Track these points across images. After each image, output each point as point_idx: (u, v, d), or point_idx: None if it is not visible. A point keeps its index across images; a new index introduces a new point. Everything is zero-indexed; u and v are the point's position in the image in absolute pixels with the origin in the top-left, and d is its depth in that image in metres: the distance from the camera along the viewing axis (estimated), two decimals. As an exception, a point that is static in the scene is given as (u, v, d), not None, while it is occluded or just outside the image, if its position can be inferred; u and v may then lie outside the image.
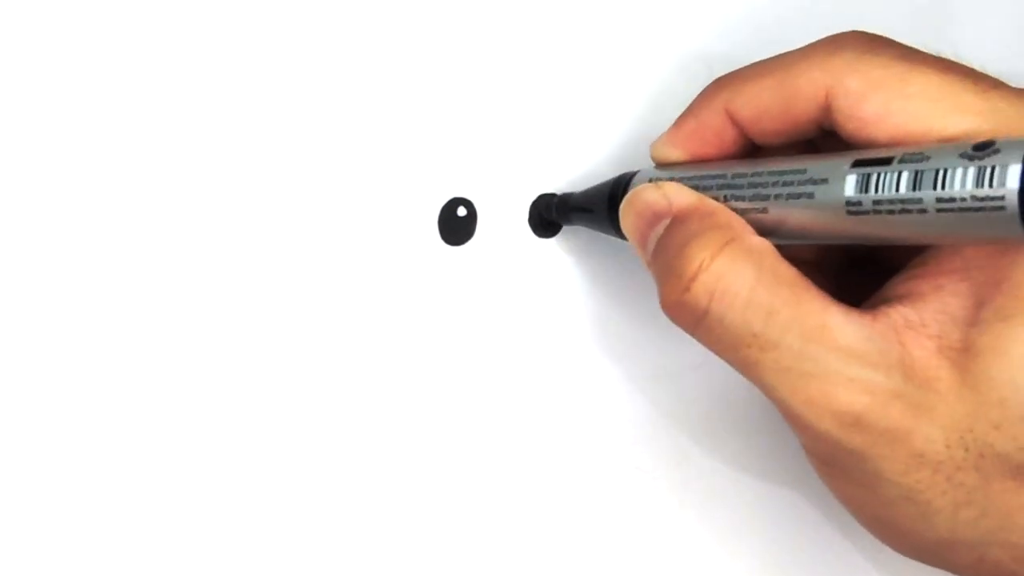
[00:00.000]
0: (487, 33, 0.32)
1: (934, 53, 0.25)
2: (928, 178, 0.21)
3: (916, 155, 0.22)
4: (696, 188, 0.26)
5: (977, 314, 0.23)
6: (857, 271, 0.29)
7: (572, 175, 0.32)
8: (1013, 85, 0.24)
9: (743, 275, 0.24)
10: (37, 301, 0.29)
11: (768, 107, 0.26)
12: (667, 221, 0.26)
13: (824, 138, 0.26)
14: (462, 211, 0.31)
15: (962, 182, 0.20)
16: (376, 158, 0.31)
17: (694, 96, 0.28)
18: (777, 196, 0.24)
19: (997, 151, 0.20)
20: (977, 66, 0.24)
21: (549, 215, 0.31)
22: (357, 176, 0.31)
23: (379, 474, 0.30)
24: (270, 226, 0.30)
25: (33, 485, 0.29)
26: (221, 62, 0.30)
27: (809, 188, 0.24)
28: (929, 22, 0.34)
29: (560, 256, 0.31)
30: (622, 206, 0.27)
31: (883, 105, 0.24)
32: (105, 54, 0.30)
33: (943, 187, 0.21)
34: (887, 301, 0.24)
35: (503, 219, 0.31)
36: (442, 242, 0.31)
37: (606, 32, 0.32)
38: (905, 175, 0.21)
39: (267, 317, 0.30)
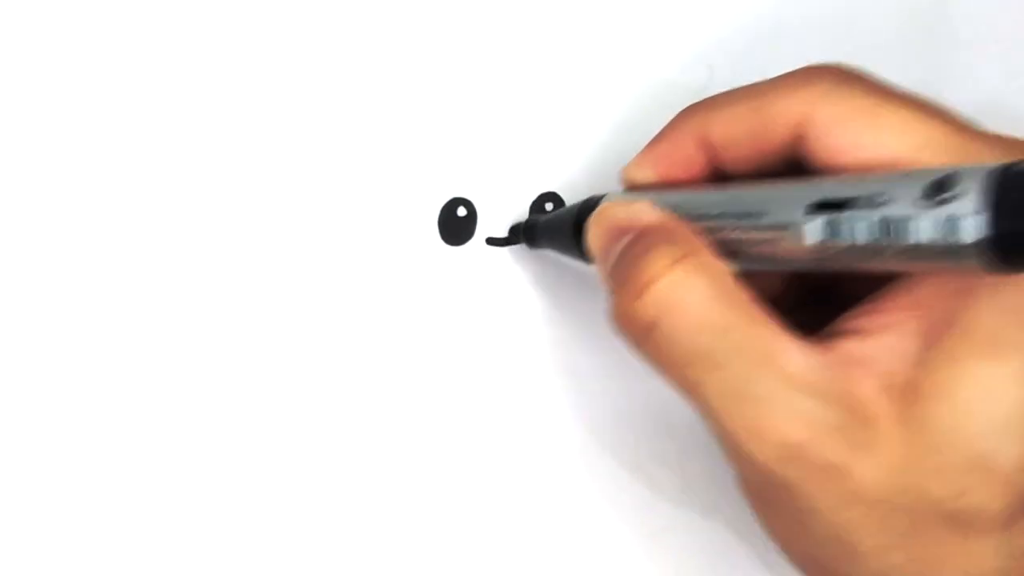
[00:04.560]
0: (487, 34, 0.32)
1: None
2: (891, 227, 0.21)
3: (877, 196, 0.21)
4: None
5: (926, 354, 0.23)
6: (816, 306, 0.28)
7: (572, 175, 0.32)
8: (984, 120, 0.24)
9: (697, 290, 0.23)
10: (37, 302, 0.29)
11: (740, 133, 0.25)
12: (630, 236, 0.25)
13: (793, 173, 0.25)
14: (462, 211, 0.31)
15: (925, 230, 0.20)
16: (376, 158, 0.31)
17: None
18: (739, 231, 0.24)
19: (955, 196, 0.20)
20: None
21: (517, 240, 0.31)
22: (358, 176, 0.31)
23: (379, 472, 0.30)
24: (271, 226, 0.31)
25: (33, 485, 0.29)
26: (222, 64, 0.31)
27: (769, 235, 0.23)
28: (926, 22, 0.34)
29: (560, 256, 0.31)
30: (590, 220, 0.27)
31: (855, 136, 0.23)
32: (106, 56, 0.30)
33: (906, 236, 0.20)
34: (839, 334, 0.24)
35: (503, 219, 0.31)
36: (442, 242, 0.31)
37: (608, 33, 0.32)
38: (865, 225, 0.21)
39: (268, 316, 0.30)
